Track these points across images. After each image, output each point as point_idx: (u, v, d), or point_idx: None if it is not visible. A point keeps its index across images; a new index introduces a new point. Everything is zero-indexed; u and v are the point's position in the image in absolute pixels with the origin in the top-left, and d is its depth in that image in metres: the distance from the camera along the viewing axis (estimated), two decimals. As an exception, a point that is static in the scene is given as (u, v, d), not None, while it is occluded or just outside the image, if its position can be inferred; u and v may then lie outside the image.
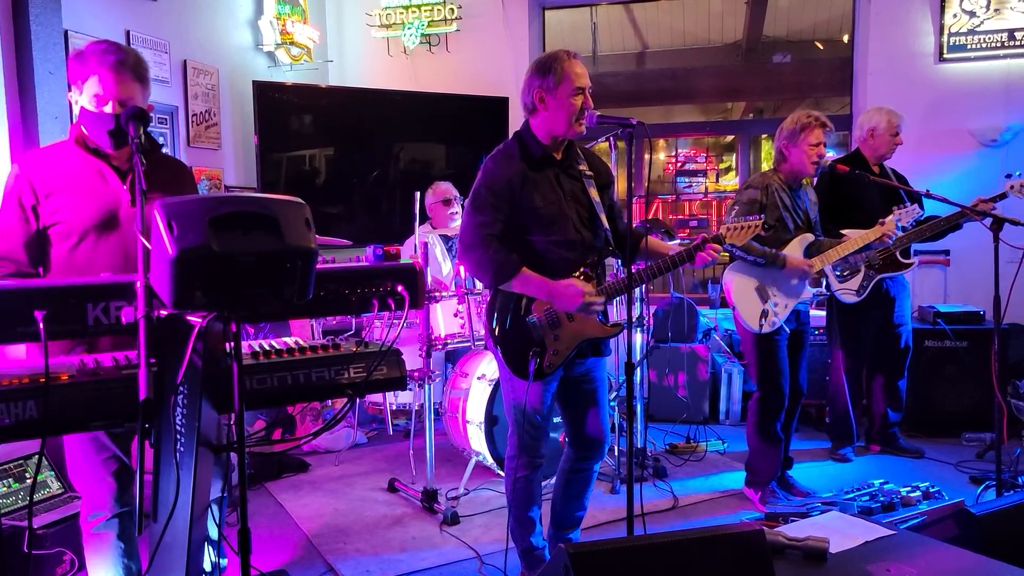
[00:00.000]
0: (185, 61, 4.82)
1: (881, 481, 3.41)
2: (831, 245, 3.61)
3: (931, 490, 3.28)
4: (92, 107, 2.17)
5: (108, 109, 2.16)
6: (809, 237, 3.57)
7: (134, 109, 1.96)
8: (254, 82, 5.24)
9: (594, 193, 2.72)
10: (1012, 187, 3.86)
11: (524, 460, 2.75)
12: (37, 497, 3.15)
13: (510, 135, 2.78)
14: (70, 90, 2.23)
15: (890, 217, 3.65)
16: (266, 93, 5.28)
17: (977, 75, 5.25)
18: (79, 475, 2.26)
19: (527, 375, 2.61)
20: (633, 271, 2.64)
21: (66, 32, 3.81)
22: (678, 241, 2.78)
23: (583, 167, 2.74)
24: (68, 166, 2.21)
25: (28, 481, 3.15)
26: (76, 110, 2.22)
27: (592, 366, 2.79)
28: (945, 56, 5.28)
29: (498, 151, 2.70)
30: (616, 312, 4.39)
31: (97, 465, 2.20)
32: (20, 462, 3.17)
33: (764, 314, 3.48)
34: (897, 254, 4.09)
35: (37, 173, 2.18)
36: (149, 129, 2.19)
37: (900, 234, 3.90)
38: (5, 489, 3.08)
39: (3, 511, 3.01)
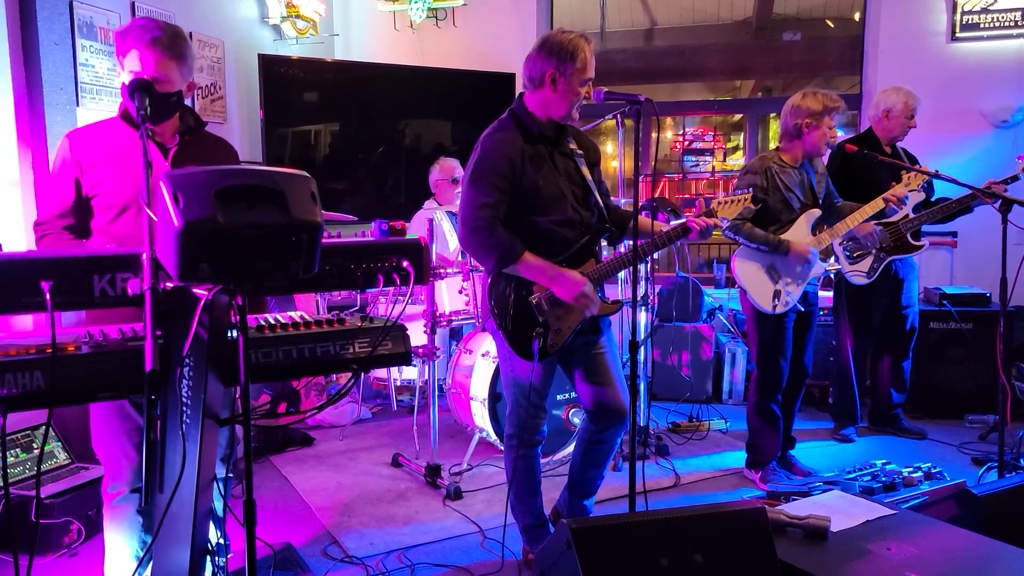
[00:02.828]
0: (190, 33, 4.77)
1: (883, 461, 3.42)
2: (849, 211, 3.60)
3: (933, 471, 3.30)
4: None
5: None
6: (816, 213, 3.55)
7: (137, 81, 1.94)
8: (259, 55, 5.21)
9: (585, 171, 2.72)
10: None
11: (524, 438, 2.76)
12: (44, 467, 3.18)
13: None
14: (118, 64, 2.24)
15: (901, 183, 3.62)
16: (271, 67, 5.25)
17: (990, 54, 5.19)
18: (102, 446, 2.28)
19: (531, 355, 2.61)
20: (626, 250, 2.64)
21: (71, 2, 3.78)
22: (683, 220, 2.77)
23: (573, 145, 2.74)
24: (113, 141, 2.25)
25: (35, 451, 3.18)
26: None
27: (599, 336, 2.80)
28: (957, 35, 5.22)
29: (494, 128, 2.66)
30: (620, 290, 4.40)
31: (121, 436, 2.22)
32: (27, 432, 3.20)
33: (776, 294, 3.47)
34: (908, 236, 4.07)
35: (82, 146, 2.23)
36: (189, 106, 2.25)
37: (909, 209, 3.88)
38: (13, 459, 3.11)
39: (11, 481, 3.04)
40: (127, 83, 2.16)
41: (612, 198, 2.98)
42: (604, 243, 2.96)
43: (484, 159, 2.58)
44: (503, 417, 3.81)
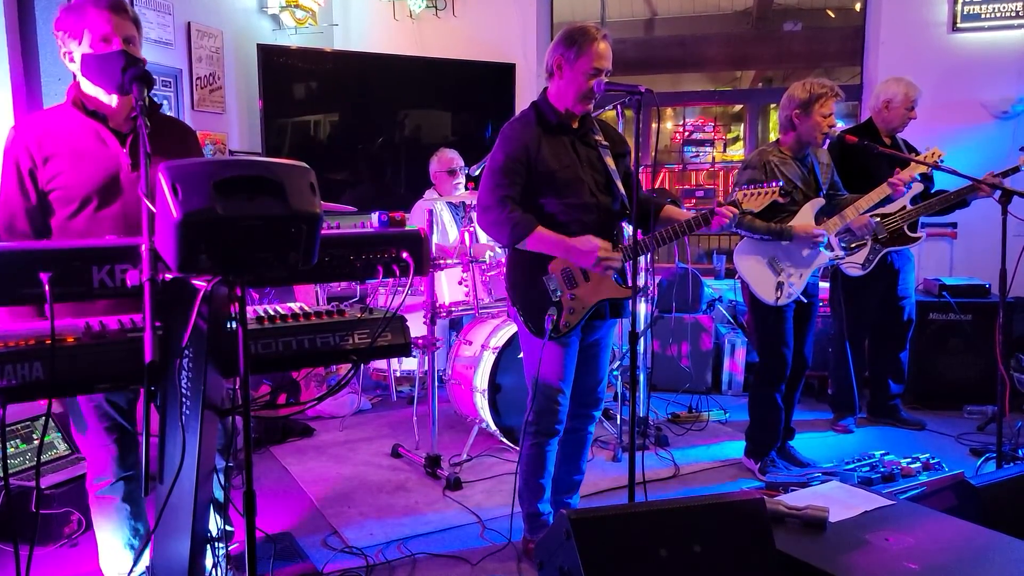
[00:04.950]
0: (189, 23, 4.76)
1: (882, 452, 3.44)
2: (852, 201, 3.61)
3: (931, 462, 3.32)
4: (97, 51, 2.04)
5: (115, 48, 2.04)
6: (820, 202, 3.54)
7: (138, 71, 1.92)
8: (258, 45, 5.19)
9: (610, 161, 2.77)
10: None
11: (541, 426, 2.79)
12: (44, 458, 3.18)
13: (517, 102, 2.80)
14: (66, 45, 2.08)
15: (907, 169, 3.63)
16: (271, 57, 5.23)
17: (990, 45, 5.17)
18: (82, 441, 2.27)
19: (543, 333, 2.66)
20: (647, 236, 2.69)
21: (68, -8, 3.76)
22: (704, 211, 2.77)
23: (599, 137, 2.80)
24: (66, 129, 2.12)
25: (35, 442, 3.18)
26: (77, 65, 2.09)
27: (604, 333, 2.86)
28: (958, 26, 5.20)
29: (516, 118, 2.77)
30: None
31: (100, 432, 2.20)
32: (27, 423, 3.20)
33: (779, 287, 3.47)
34: (905, 228, 4.07)
35: (34, 137, 2.08)
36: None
37: (907, 201, 3.88)
38: (13, 450, 3.11)
39: (11, 471, 3.04)
40: (89, 55, 2.03)
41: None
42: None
43: (501, 147, 2.69)
44: (503, 408, 3.83)
